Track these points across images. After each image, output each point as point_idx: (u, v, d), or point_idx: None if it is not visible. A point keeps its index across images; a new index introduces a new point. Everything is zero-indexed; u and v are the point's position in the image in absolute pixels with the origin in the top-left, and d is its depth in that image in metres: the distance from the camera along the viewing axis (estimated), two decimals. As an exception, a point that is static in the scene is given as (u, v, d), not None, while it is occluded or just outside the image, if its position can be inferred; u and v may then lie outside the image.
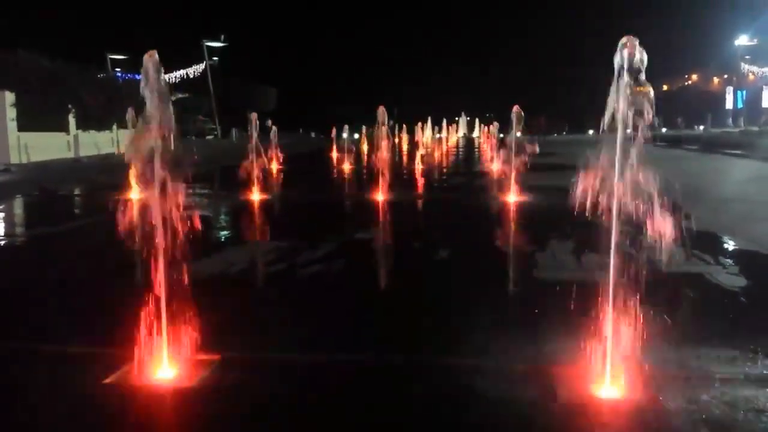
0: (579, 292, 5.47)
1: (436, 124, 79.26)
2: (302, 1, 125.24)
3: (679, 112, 72.81)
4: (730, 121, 71.36)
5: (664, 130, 63.74)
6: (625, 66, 3.52)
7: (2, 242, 10.42)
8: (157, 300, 4.01)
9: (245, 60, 76.16)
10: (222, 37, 64.86)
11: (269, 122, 63.84)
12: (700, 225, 10.27)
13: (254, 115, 15.72)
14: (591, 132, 68.79)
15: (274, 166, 22.06)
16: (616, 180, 3.74)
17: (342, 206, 14.81)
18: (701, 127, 64.61)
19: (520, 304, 6.10)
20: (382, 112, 14.75)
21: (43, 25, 58.96)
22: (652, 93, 3.55)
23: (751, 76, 71.46)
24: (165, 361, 4.08)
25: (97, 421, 3.62)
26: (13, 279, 7.39)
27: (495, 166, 21.12)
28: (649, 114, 3.57)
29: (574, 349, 4.10)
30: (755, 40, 65.94)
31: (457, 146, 51.62)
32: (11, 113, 27.30)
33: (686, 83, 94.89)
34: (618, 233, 3.78)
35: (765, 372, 4.19)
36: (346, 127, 32.51)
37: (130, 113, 17.11)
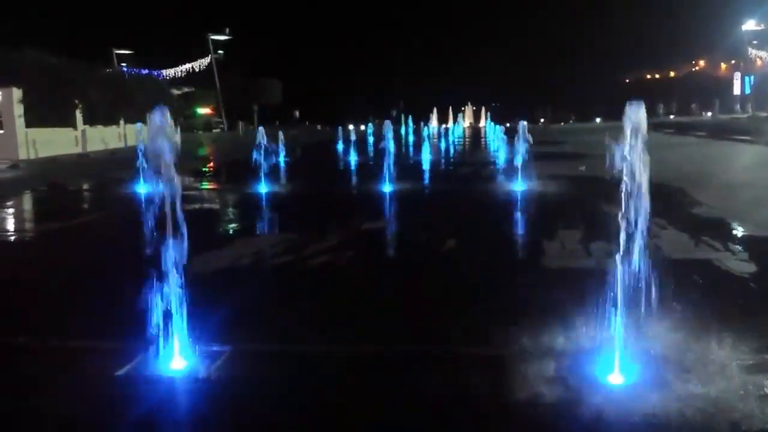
0: (589, 279, 5.48)
1: (443, 114, 79.27)
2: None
3: (688, 99, 72.53)
4: (738, 106, 70.91)
5: (671, 117, 63.47)
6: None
7: (13, 237, 10.50)
8: (169, 292, 4.04)
9: (251, 53, 76.07)
10: (227, 30, 64.84)
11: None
12: (709, 211, 10.28)
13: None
14: (598, 120, 68.67)
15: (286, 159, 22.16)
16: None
17: (353, 196, 14.82)
18: (709, 113, 64.30)
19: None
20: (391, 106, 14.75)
21: (49, 22, 59.09)
22: None
23: (758, 61, 70.89)
24: (177, 353, 4.11)
25: (109, 413, 3.66)
26: (25, 273, 7.44)
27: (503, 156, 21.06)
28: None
29: (584, 335, 4.12)
30: (762, 25, 65.37)
31: (463, 136, 51.48)
32: (19, 110, 27.42)
33: (693, 69, 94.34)
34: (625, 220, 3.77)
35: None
36: (352, 118, 32.57)
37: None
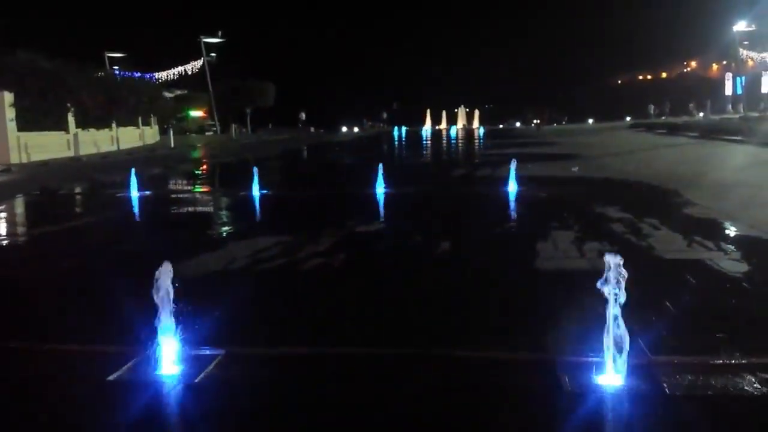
0: (579, 281, 5.49)
1: (436, 116, 79.45)
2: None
3: (680, 99, 72.87)
4: (729, 107, 71.26)
5: (663, 117, 63.72)
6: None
7: (5, 241, 10.44)
8: (161, 295, 4.02)
9: (243, 56, 76.05)
10: (219, 33, 64.74)
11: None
12: (702, 212, 10.31)
13: None
14: (591, 121, 68.91)
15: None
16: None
17: (343, 199, 14.82)
18: (701, 114, 64.61)
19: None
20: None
21: (41, 24, 58.87)
22: None
23: (750, 62, 71.27)
24: (169, 357, 4.09)
25: (102, 418, 3.63)
26: (16, 278, 7.41)
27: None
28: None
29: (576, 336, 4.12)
30: (753, 26, 65.65)
31: (456, 138, 51.56)
32: (10, 113, 27.31)
33: (685, 70, 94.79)
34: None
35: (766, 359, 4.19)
36: (345, 120, 32.66)
37: None
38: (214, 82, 64.92)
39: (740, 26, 65.14)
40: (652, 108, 70.11)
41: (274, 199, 14.42)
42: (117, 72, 48.15)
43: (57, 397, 3.89)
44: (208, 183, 20.66)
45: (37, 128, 29.03)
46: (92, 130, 34.31)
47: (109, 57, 56.70)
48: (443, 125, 77.61)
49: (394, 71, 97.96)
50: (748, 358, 4.14)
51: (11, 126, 27.38)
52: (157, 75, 57.90)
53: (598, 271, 3.78)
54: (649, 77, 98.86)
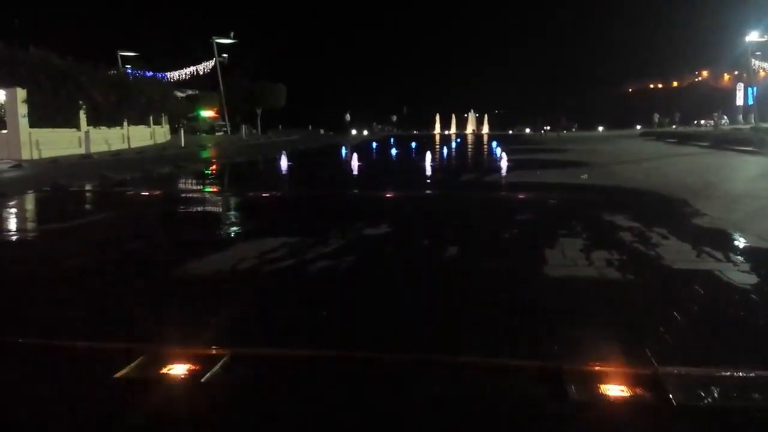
0: (585, 289, 5.48)
1: (446, 121, 79.50)
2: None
3: (690, 109, 72.80)
4: (740, 117, 71.01)
5: (674, 126, 63.61)
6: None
7: (15, 236, 10.50)
8: (169, 294, 4.04)
9: (255, 57, 76.26)
10: (231, 34, 65.01)
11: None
12: (711, 222, 10.27)
13: None
14: (601, 129, 68.80)
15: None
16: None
17: (353, 201, 14.84)
18: (711, 123, 64.47)
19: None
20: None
21: (54, 23, 59.29)
22: None
23: (761, 73, 71.03)
24: (176, 356, 4.11)
25: (108, 415, 3.65)
26: (24, 274, 7.45)
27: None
28: None
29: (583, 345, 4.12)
30: (766, 37, 65.40)
31: (465, 143, 51.53)
32: (23, 110, 27.48)
33: (696, 80, 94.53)
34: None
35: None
36: (356, 123, 32.72)
37: None
38: (226, 82, 65.19)
39: (752, 37, 64.93)
40: (656, 117, 70.01)
41: (283, 199, 14.46)
42: (129, 71, 48.41)
43: (64, 393, 3.91)
44: (218, 183, 20.73)
45: (49, 125, 29.20)
46: (103, 128, 34.49)
47: (121, 56, 57.11)
48: (452, 130, 77.66)
49: (405, 76, 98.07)
50: (756, 371, 4.12)
51: (23, 122, 27.55)
52: (168, 74, 58.21)
53: (606, 280, 3.79)
54: (660, 86, 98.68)
